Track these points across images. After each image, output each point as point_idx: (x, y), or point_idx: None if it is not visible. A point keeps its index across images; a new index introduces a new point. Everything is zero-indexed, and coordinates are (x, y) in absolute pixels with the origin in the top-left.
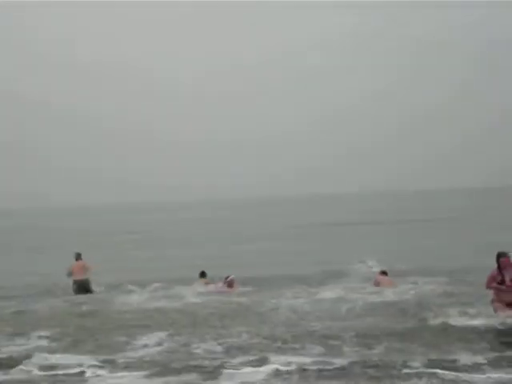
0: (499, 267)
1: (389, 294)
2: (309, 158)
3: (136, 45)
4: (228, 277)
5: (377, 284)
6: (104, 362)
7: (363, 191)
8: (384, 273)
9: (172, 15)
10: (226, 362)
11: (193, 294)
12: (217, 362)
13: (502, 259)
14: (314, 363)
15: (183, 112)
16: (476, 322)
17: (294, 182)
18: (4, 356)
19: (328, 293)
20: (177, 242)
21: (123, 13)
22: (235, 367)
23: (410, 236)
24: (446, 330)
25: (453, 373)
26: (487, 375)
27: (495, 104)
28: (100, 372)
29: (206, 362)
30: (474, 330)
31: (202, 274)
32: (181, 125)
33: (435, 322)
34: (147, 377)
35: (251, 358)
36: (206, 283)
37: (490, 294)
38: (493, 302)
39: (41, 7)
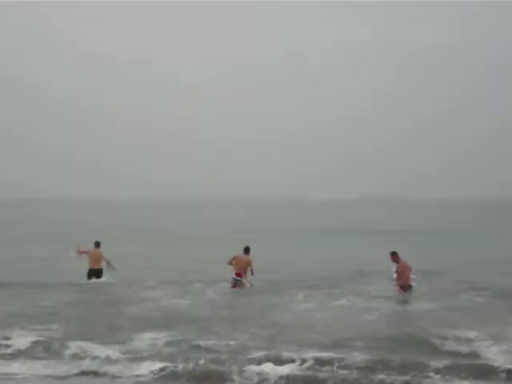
0: None
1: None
2: (309, 163)
3: (142, 45)
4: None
5: (399, 278)
6: (112, 351)
7: (363, 198)
8: (394, 254)
9: (175, 17)
10: (224, 361)
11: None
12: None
13: None
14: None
15: (183, 113)
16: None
17: (294, 186)
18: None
19: (341, 300)
20: (196, 241)
21: (127, 11)
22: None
23: (422, 246)
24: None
25: None
26: None
27: (496, 114)
28: (107, 360)
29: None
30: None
31: (246, 250)
32: (181, 126)
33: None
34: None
35: (248, 357)
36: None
37: None
38: None
39: (45, 5)
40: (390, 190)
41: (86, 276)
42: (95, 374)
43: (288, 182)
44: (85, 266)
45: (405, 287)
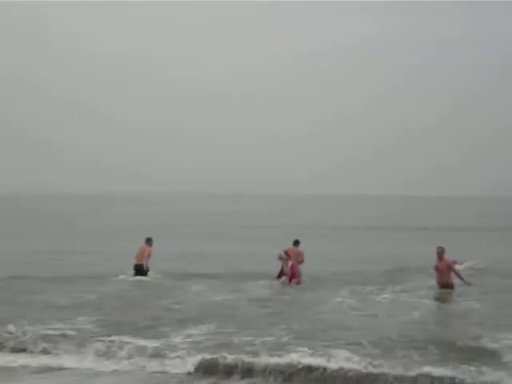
0: None
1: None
2: (311, 160)
3: (143, 43)
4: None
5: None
6: (150, 345)
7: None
8: (441, 249)
9: (198, 18)
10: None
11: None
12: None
13: None
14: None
15: (187, 109)
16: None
17: (294, 182)
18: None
19: (383, 297)
20: (233, 236)
21: (128, 10)
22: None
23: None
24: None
25: None
26: None
27: (500, 114)
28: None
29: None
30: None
31: (296, 243)
32: (185, 122)
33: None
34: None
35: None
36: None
37: None
38: None
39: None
40: (392, 188)
41: (129, 271)
42: (132, 367)
43: (289, 180)
44: (130, 261)
45: (444, 286)
